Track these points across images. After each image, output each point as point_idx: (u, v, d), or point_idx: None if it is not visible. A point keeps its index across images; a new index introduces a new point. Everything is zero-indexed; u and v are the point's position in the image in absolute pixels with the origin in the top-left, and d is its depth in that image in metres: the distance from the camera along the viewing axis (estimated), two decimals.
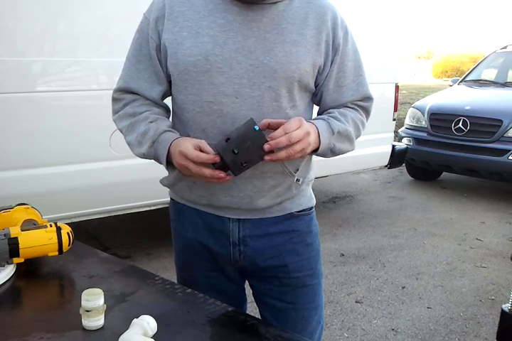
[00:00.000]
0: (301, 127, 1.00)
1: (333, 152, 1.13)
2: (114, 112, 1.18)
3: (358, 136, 1.20)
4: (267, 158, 0.99)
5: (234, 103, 1.05)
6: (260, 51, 1.05)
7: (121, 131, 1.17)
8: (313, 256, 1.23)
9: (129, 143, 1.15)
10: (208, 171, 0.99)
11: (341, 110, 1.16)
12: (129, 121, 1.13)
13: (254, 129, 0.97)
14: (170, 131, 1.10)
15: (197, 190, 1.15)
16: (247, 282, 1.28)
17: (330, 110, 1.17)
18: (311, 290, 1.23)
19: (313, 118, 1.16)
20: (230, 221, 1.16)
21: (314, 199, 1.26)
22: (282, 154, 0.99)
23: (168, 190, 1.26)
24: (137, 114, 1.12)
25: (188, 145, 1.01)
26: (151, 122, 1.10)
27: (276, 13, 1.07)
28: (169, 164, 1.09)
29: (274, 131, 1.00)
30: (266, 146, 0.98)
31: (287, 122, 1.01)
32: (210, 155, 0.99)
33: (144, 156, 1.13)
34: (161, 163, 1.09)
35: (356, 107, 1.19)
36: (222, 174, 0.99)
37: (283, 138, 0.98)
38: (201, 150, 1.00)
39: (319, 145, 1.07)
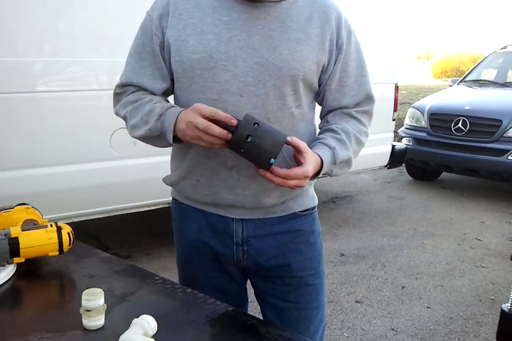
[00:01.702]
0: (306, 178, 1.02)
1: (329, 175, 1.15)
2: (116, 104, 1.16)
3: (359, 151, 1.20)
4: (260, 172, 0.99)
5: (238, 101, 1.05)
6: (265, 49, 1.05)
7: (124, 118, 1.14)
8: (316, 255, 1.24)
9: (133, 126, 1.10)
10: (217, 129, 0.95)
11: (345, 126, 1.16)
12: (132, 106, 1.11)
13: (270, 161, 0.96)
14: (177, 106, 1.08)
15: (200, 188, 1.15)
16: (248, 282, 1.28)
17: (334, 127, 1.15)
18: (314, 290, 1.24)
19: (320, 138, 1.14)
20: (233, 221, 1.16)
21: (316, 199, 1.26)
22: (277, 180, 0.99)
23: (169, 190, 1.26)
24: (140, 99, 1.11)
25: (204, 106, 0.98)
26: (156, 103, 1.08)
27: (281, 11, 1.07)
28: (175, 140, 1.05)
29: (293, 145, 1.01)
30: (261, 172, 0.98)
31: (296, 169, 1.00)
32: (228, 118, 0.96)
33: (149, 132, 1.06)
34: (166, 135, 1.04)
35: (359, 117, 1.19)
36: (229, 136, 0.95)
37: (279, 180, 0.99)
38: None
39: (317, 174, 1.08)
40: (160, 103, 1.09)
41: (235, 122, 0.95)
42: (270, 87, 1.06)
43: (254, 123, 0.95)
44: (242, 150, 0.96)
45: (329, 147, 1.10)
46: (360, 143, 1.19)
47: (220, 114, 0.96)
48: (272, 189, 1.13)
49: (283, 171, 0.99)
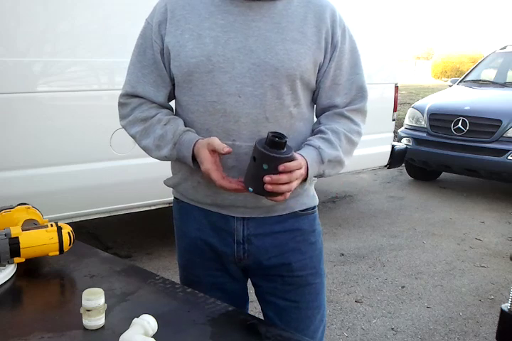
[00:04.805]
0: (303, 172, 1.04)
1: (321, 176, 1.15)
2: (123, 117, 1.19)
3: (353, 150, 1.20)
4: (267, 178, 0.98)
5: (237, 102, 1.06)
6: (261, 50, 1.06)
7: (133, 137, 1.18)
8: (316, 254, 1.24)
9: (144, 148, 1.16)
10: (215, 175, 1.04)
11: (334, 127, 1.15)
12: (142, 126, 1.14)
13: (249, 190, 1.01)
14: (189, 130, 1.11)
15: (202, 189, 1.16)
16: (248, 282, 1.29)
17: (323, 128, 1.15)
18: (314, 289, 1.24)
19: (307, 140, 1.14)
20: (234, 219, 1.16)
21: (317, 199, 1.27)
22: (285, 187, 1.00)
23: (169, 190, 1.26)
24: (149, 118, 1.14)
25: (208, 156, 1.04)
26: (165, 124, 1.12)
27: (276, 12, 1.09)
28: (196, 163, 1.09)
29: None
30: (266, 178, 0.97)
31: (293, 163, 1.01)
32: (233, 185, 1.04)
33: (165, 159, 1.14)
34: (187, 163, 1.11)
35: (351, 115, 1.18)
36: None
37: (285, 175, 0.98)
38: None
39: (306, 176, 1.08)
40: (169, 125, 1.11)
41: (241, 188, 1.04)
42: (268, 87, 1.07)
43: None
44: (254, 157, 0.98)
45: (314, 147, 1.10)
46: (351, 143, 1.17)
47: (226, 185, 1.05)
48: None
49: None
